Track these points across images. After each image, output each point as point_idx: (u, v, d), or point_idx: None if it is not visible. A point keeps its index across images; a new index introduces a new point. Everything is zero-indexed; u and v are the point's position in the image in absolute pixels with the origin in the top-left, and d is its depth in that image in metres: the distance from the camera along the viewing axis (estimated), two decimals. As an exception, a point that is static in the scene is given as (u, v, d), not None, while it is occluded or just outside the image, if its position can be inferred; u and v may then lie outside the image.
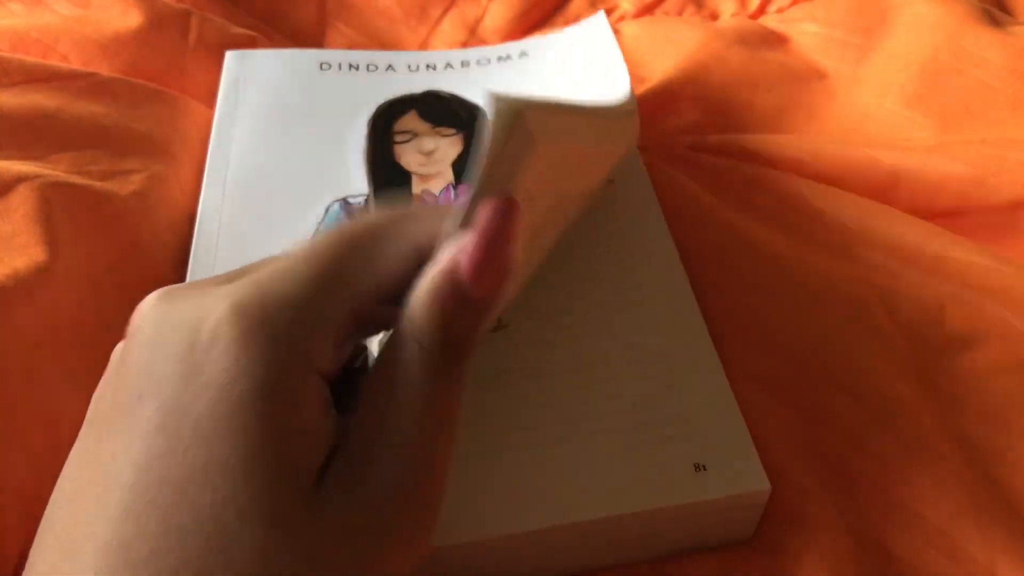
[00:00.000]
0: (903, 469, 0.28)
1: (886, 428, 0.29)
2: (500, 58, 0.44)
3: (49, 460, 0.24)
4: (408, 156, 0.38)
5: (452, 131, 0.39)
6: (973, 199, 0.38)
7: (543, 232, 0.28)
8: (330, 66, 0.43)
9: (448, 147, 0.39)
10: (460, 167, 0.38)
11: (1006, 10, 0.51)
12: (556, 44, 0.44)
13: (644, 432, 0.28)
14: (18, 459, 0.26)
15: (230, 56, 0.42)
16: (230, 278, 0.21)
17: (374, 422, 0.20)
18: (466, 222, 0.20)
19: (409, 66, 0.43)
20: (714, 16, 0.52)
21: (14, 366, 0.27)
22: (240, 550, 0.18)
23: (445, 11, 0.52)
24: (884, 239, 0.36)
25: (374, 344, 0.27)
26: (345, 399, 0.21)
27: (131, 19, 0.43)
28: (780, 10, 0.52)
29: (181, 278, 0.33)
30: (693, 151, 0.41)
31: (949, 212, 0.38)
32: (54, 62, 0.40)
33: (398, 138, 0.39)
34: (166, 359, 0.19)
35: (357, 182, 0.37)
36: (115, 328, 0.22)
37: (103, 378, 0.21)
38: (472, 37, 0.51)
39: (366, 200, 0.36)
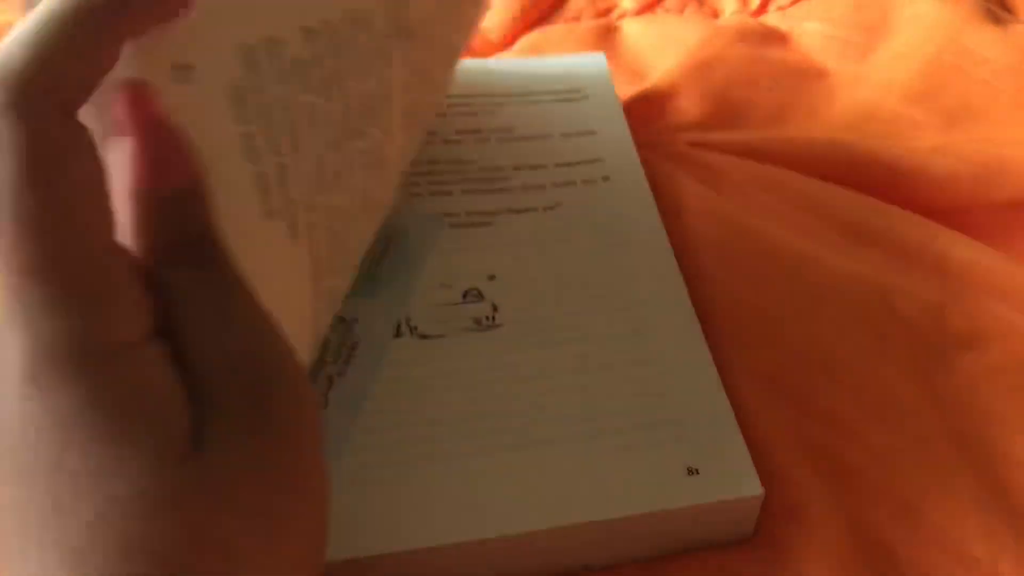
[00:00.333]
0: (906, 468, 0.28)
1: (888, 426, 0.29)
2: None
3: None
4: None
5: None
6: (975, 198, 0.38)
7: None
8: None
9: None
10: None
11: (1008, 9, 0.51)
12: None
13: (637, 435, 0.28)
14: None
15: None
16: None
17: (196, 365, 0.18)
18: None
19: None
20: (715, 14, 0.52)
21: None
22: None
23: (446, 8, 0.52)
24: (886, 238, 0.36)
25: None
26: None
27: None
28: (781, 8, 0.52)
29: None
30: (694, 148, 0.41)
31: (951, 211, 0.38)
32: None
33: None
34: None
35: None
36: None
37: None
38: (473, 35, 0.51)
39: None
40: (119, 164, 0.18)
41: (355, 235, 0.28)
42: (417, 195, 0.36)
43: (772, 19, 0.51)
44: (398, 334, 0.31)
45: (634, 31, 0.50)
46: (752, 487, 0.26)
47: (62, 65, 0.16)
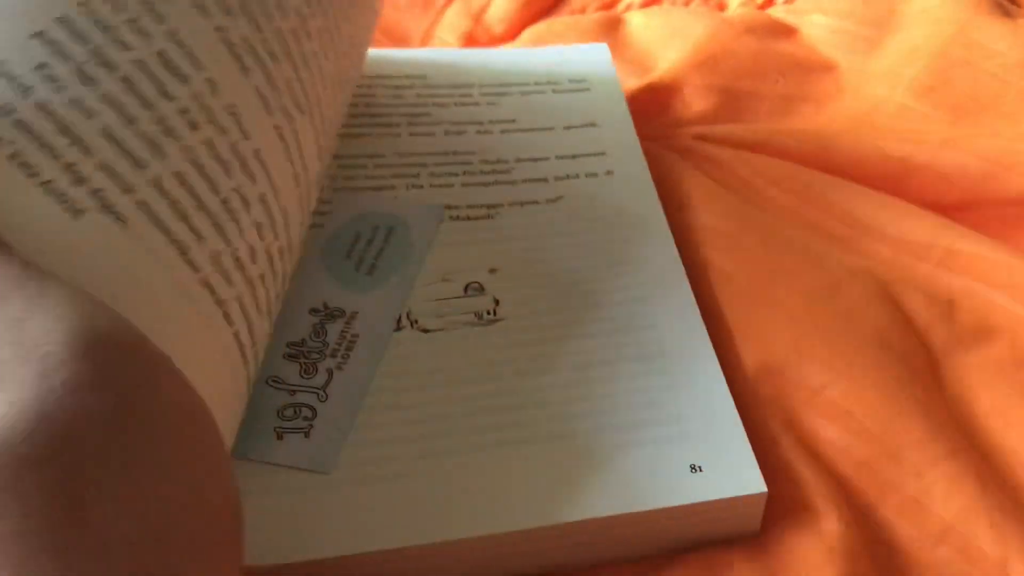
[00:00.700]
0: (913, 464, 0.28)
1: (896, 422, 0.29)
2: None
3: None
4: None
5: None
6: (984, 192, 0.38)
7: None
8: None
9: None
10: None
11: (1017, 2, 0.50)
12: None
13: (639, 432, 0.27)
14: None
15: None
16: None
17: None
18: None
19: None
20: (721, 6, 0.52)
21: None
22: None
23: (449, 0, 0.52)
24: (894, 232, 0.36)
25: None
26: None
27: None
28: (788, 1, 0.52)
29: None
30: (699, 141, 0.40)
31: (960, 205, 0.38)
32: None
33: None
34: None
35: None
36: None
37: None
38: (477, 26, 0.51)
39: None
40: None
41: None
42: (418, 187, 0.36)
43: (779, 12, 0.50)
44: (399, 327, 0.30)
45: (640, 23, 0.50)
46: (755, 485, 0.26)
47: None
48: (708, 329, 0.31)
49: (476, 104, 0.40)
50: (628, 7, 0.52)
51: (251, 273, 0.23)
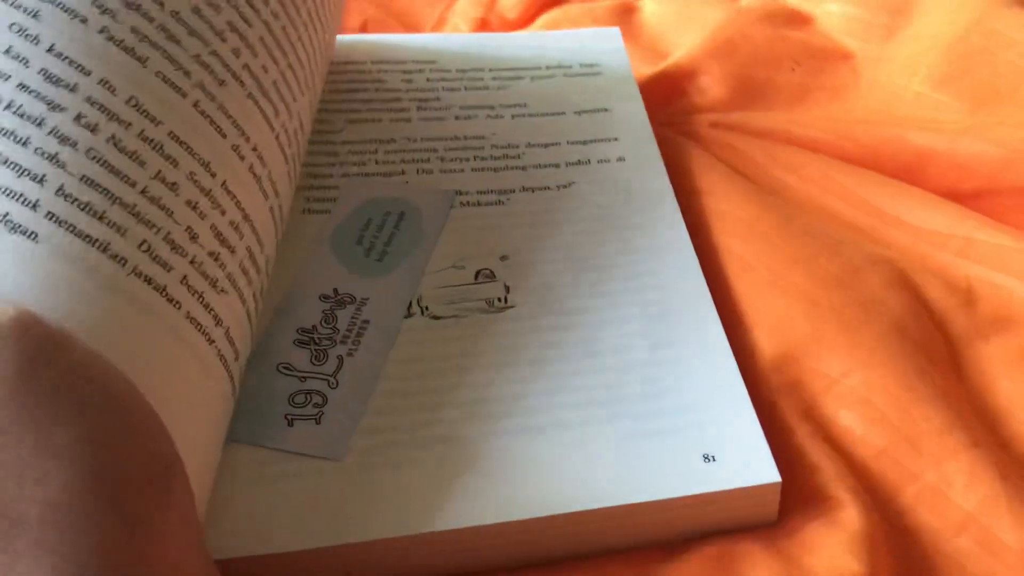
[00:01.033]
0: (933, 453, 0.28)
1: (915, 411, 0.29)
2: None
3: None
4: None
5: None
6: (1003, 181, 0.37)
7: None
8: None
9: None
10: None
11: (1037, -10, 0.50)
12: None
13: (651, 421, 0.27)
14: None
15: None
16: None
17: None
18: None
19: None
20: (735, -6, 0.52)
21: None
22: None
23: (462, -12, 0.51)
24: (912, 221, 0.36)
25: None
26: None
27: None
28: (802, -12, 0.51)
29: None
30: (715, 128, 0.40)
31: (978, 194, 0.37)
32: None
33: None
34: None
35: None
36: None
37: None
38: (490, 13, 0.50)
39: None
40: None
41: None
42: (428, 172, 0.35)
43: (793, 0, 0.50)
44: (409, 314, 0.30)
45: (653, 10, 0.49)
46: (769, 474, 0.26)
47: None
48: (723, 316, 0.30)
49: (487, 88, 0.39)
50: (642, -6, 0.52)
51: (194, 252, 0.23)
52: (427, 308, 0.30)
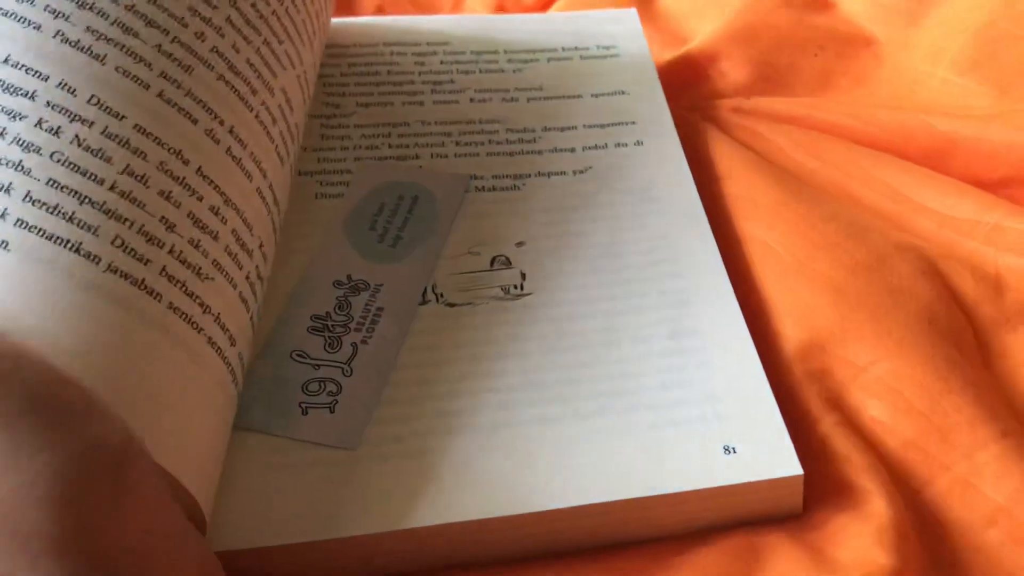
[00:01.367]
0: (962, 443, 0.27)
1: (944, 401, 0.28)
2: None
3: None
4: None
5: None
6: (1031, 168, 0.37)
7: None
8: None
9: None
10: None
11: (1066, -26, 0.49)
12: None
13: (671, 411, 0.27)
14: None
15: None
16: None
17: None
18: None
19: None
20: (756, -22, 0.51)
21: None
22: None
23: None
24: (939, 208, 0.35)
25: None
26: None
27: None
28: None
29: None
30: (737, 113, 0.39)
31: (1006, 182, 0.37)
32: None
33: None
34: None
35: None
36: None
37: None
38: (507, -2, 0.50)
39: None
40: None
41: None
42: (442, 156, 0.35)
43: (816, -16, 0.49)
44: (424, 301, 0.30)
45: (673, -6, 0.49)
46: (791, 466, 0.25)
47: None
48: (747, 304, 0.30)
49: (501, 71, 0.39)
50: (661, -22, 0.51)
51: (172, 242, 0.23)
52: (442, 295, 0.30)
